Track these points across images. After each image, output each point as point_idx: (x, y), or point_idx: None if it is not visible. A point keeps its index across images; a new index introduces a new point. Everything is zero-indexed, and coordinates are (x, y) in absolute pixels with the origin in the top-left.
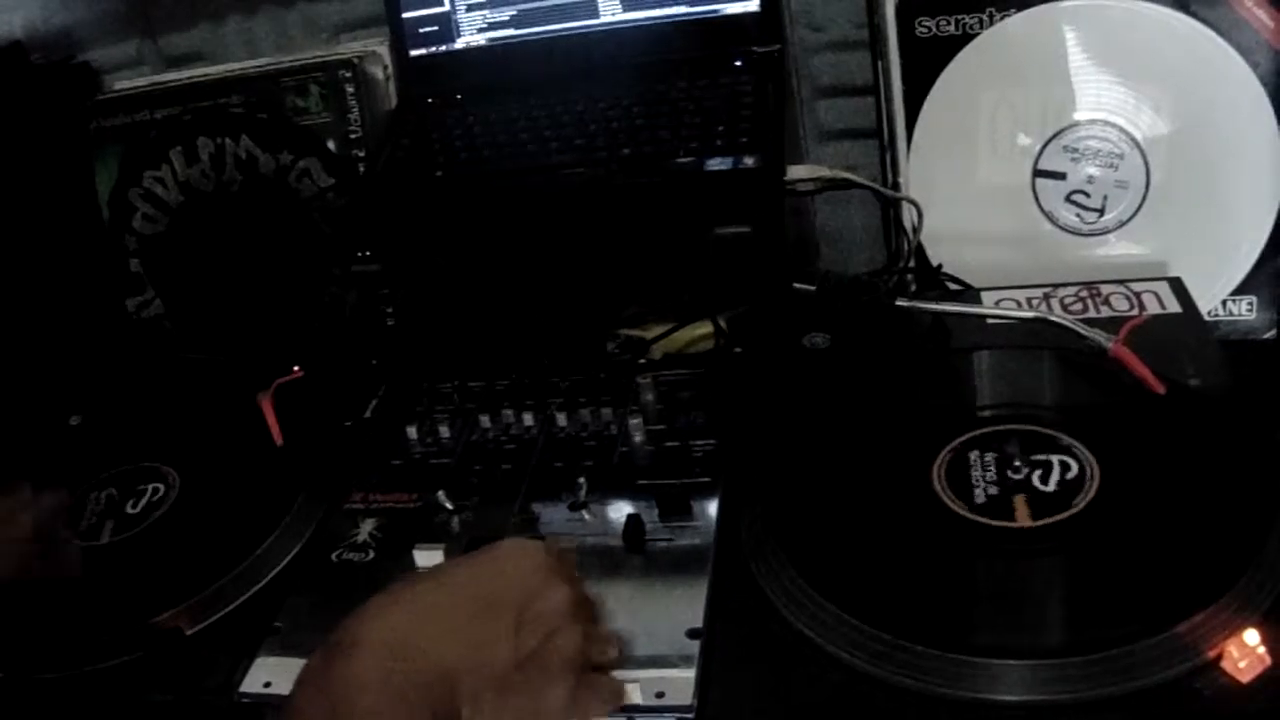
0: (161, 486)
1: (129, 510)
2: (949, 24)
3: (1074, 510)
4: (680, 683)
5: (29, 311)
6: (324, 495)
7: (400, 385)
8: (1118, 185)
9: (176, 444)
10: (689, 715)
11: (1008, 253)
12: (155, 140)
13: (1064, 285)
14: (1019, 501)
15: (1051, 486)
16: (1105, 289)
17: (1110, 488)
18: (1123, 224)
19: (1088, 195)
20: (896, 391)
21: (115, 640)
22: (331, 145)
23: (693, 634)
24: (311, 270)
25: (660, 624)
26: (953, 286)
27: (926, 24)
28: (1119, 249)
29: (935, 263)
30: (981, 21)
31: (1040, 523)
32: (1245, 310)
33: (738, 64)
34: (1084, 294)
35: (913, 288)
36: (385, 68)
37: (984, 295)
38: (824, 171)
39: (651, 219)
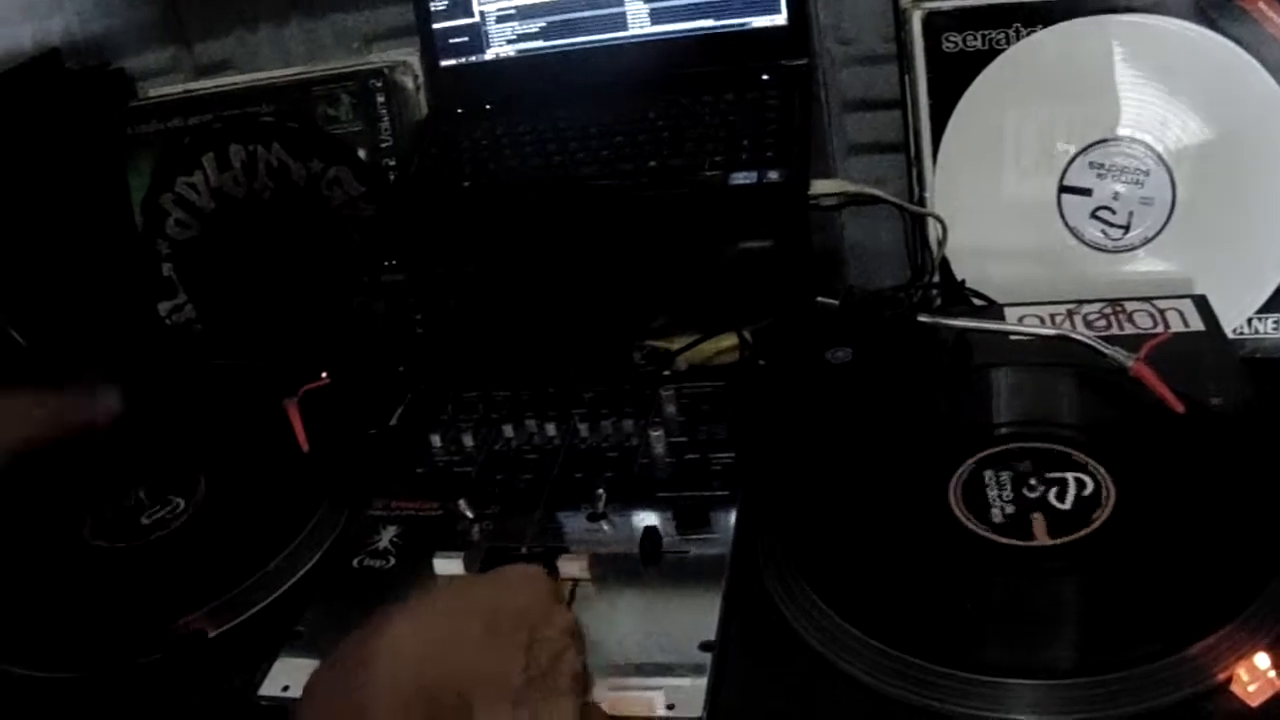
0: (190, 490)
1: (160, 514)
2: (975, 39)
3: (1089, 529)
4: (691, 693)
5: (63, 315)
6: (347, 502)
7: (426, 393)
8: (1143, 202)
9: (204, 449)
10: None
11: (1032, 269)
12: (188, 147)
13: (1089, 302)
14: (1035, 520)
15: (1068, 505)
16: (1130, 306)
17: (1126, 507)
18: (1148, 241)
19: (1113, 211)
20: (915, 408)
21: (138, 642)
22: (362, 154)
23: (705, 646)
24: (341, 278)
25: (673, 635)
26: (977, 302)
27: (953, 39)
28: (1144, 266)
29: (960, 278)
30: (1008, 37)
31: (1055, 541)
32: (1272, 328)
33: (765, 78)
34: (1108, 311)
35: (937, 303)
36: (416, 77)
37: (1007, 311)
38: (849, 186)
39: (676, 231)
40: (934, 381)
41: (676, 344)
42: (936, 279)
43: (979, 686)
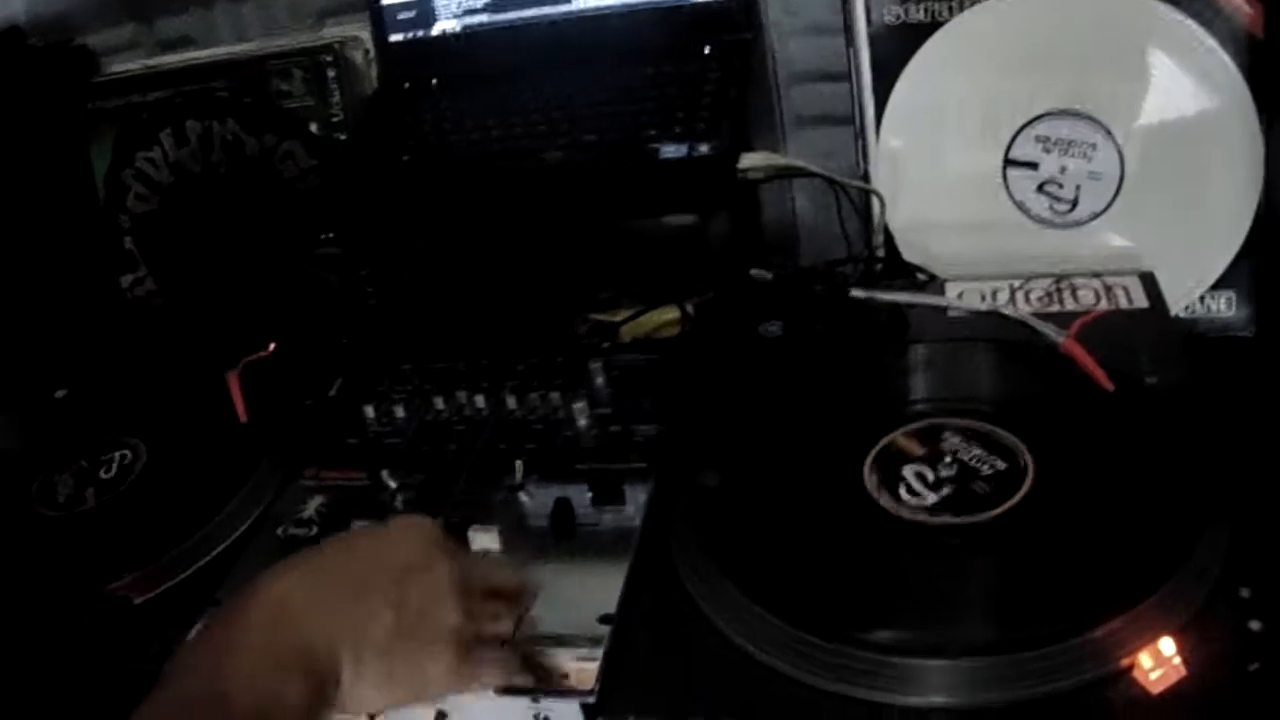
0: (130, 455)
1: (102, 476)
2: (918, 10)
3: (1003, 508)
4: (586, 667)
5: (27, 287)
6: (280, 472)
7: (364, 365)
8: (1091, 176)
9: (148, 419)
10: (590, 699)
11: (978, 243)
12: (147, 122)
13: (1037, 278)
14: (948, 498)
15: (983, 483)
16: (1076, 282)
17: (1043, 486)
18: (1096, 216)
19: (1060, 186)
20: (838, 383)
21: (67, 607)
22: (314, 128)
23: (604, 619)
24: (293, 251)
25: (575, 607)
26: (921, 278)
27: (895, 10)
28: (1092, 242)
29: (904, 253)
30: (951, 8)
31: (967, 520)
32: (1224, 306)
33: (706, 50)
34: (1054, 287)
35: (884, 279)
36: (366, 52)
37: (948, 287)
38: (777, 160)
39: (610, 205)
40: (858, 357)
41: (619, 317)
42: (881, 254)
43: (874, 666)
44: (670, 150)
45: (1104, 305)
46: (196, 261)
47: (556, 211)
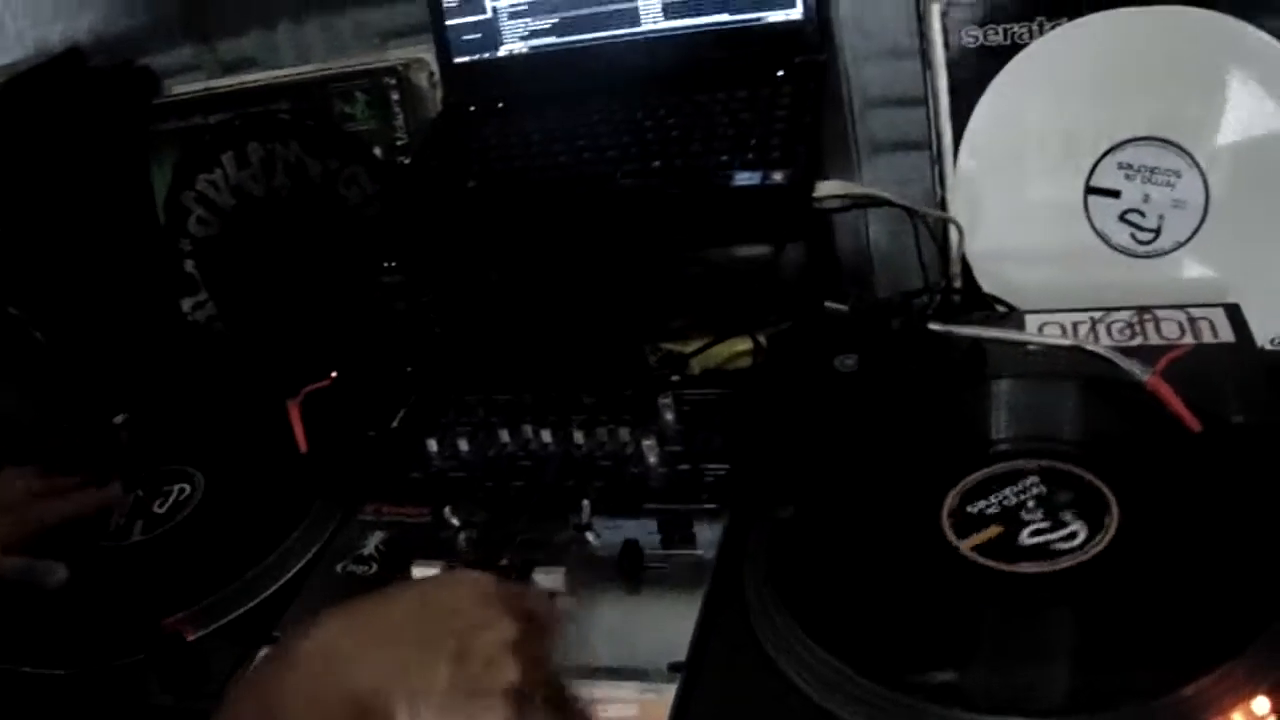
0: (188, 488)
1: (155, 510)
2: (997, 33)
3: (1085, 557)
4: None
5: (87, 309)
6: (340, 505)
7: (428, 396)
8: (1174, 205)
9: (207, 448)
10: None
11: (1058, 273)
12: (209, 144)
13: (1117, 310)
14: (1027, 544)
15: (1065, 529)
16: (1160, 314)
17: (1129, 533)
18: (1180, 245)
19: (1143, 215)
20: (916, 420)
21: (121, 641)
22: (378, 152)
23: (674, 667)
24: (357, 277)
25: (644, 654)
26: (1000, 309)
27: (974, 32)
28: (1175, 272)
29: (983, 283)
30: (1031, 31)
31: (1047, 568)
32: None
33: (779, 74)
34: (1136, 320)
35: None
36: (431, 75)
37: (1029, 319)
38: (854, 188)
39: (679, 233)
40: (936, 393)
41: (691, 348)
42: (958, 284)
43: None
44: (743, 178)
45: (1188, 339)
46: (258, 286)
47: (626, 239)
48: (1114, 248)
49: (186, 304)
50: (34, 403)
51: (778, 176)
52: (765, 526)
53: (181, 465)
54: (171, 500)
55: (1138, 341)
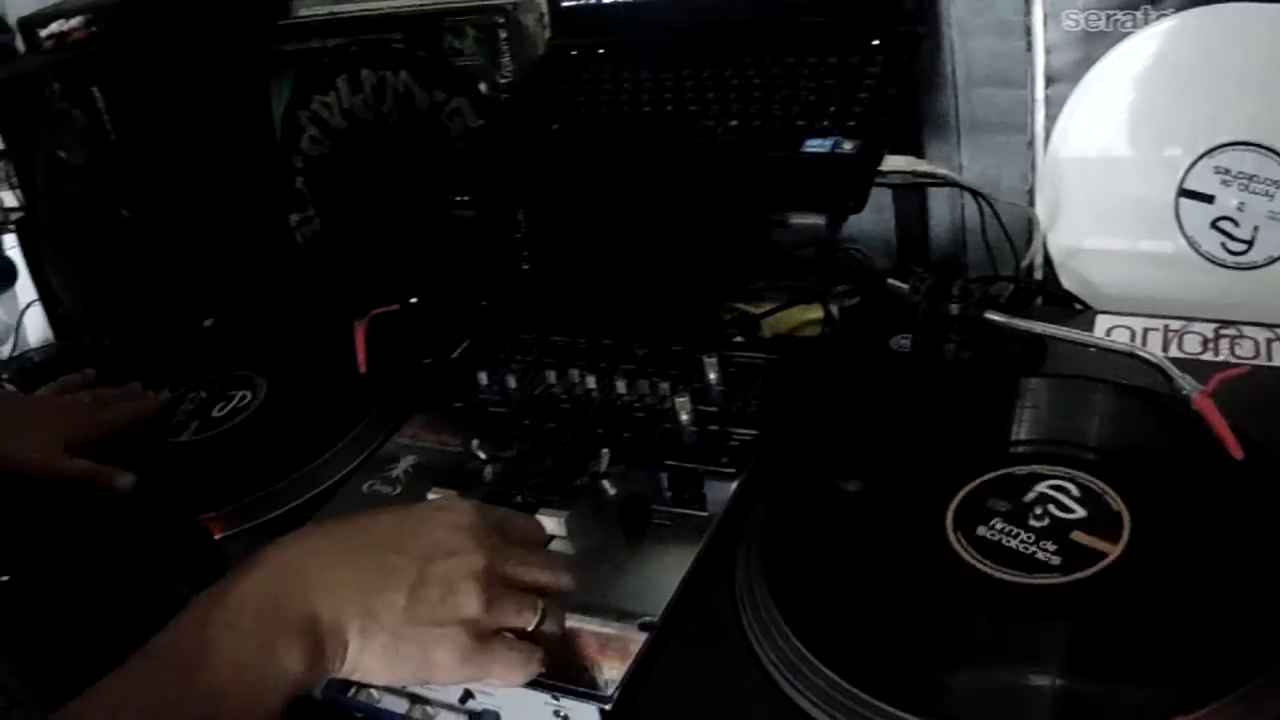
0: (249, 395)
1: (214, 414)
2: (1099, 19)
3: (1083, 574)
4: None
5: (197, 217)
6: (383, 427)
7: (495, 330)
8: (1271, 216)
9: (277, 358)
10: (608, 705)
11: (1140, 276)
12: (326, 67)
13: (1200, 320)
14: (1025, 553)
15: (1070, 542)
16: (1245, 331)
17: (1134, 553)
18: (1273, 260)
19: (1236, 224)
20: (945, 410)
21: (153, 534)
22: (483, 88)
23: (644, 626)
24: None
25: (621, 607)
26: (1078, 308)
27: (1075, 16)
28: (1267, 288)
29: (1062, 278)
30: (1135, 19)
31: (1039, 580)
32: None
33: (874, 43)
34: (1214, 334)
35: (1039, 301)
36: (540, 16)
37: (1099, 320)
38: (920, 165)
39: (743, 194)
40: (974, 385)
41: (762, 310)
42: (1038, 276)
43: None
44: (814, 144)
45: (1261, 360)
46: (359, 208)
47: (693, 195)
48: (1203, 255)
49: (294, 218)
50: (131, 301)
51: (848, 146)
52: (770, 510)
53: (249, 373)
54: (231, 405)
55: (1208, 356)
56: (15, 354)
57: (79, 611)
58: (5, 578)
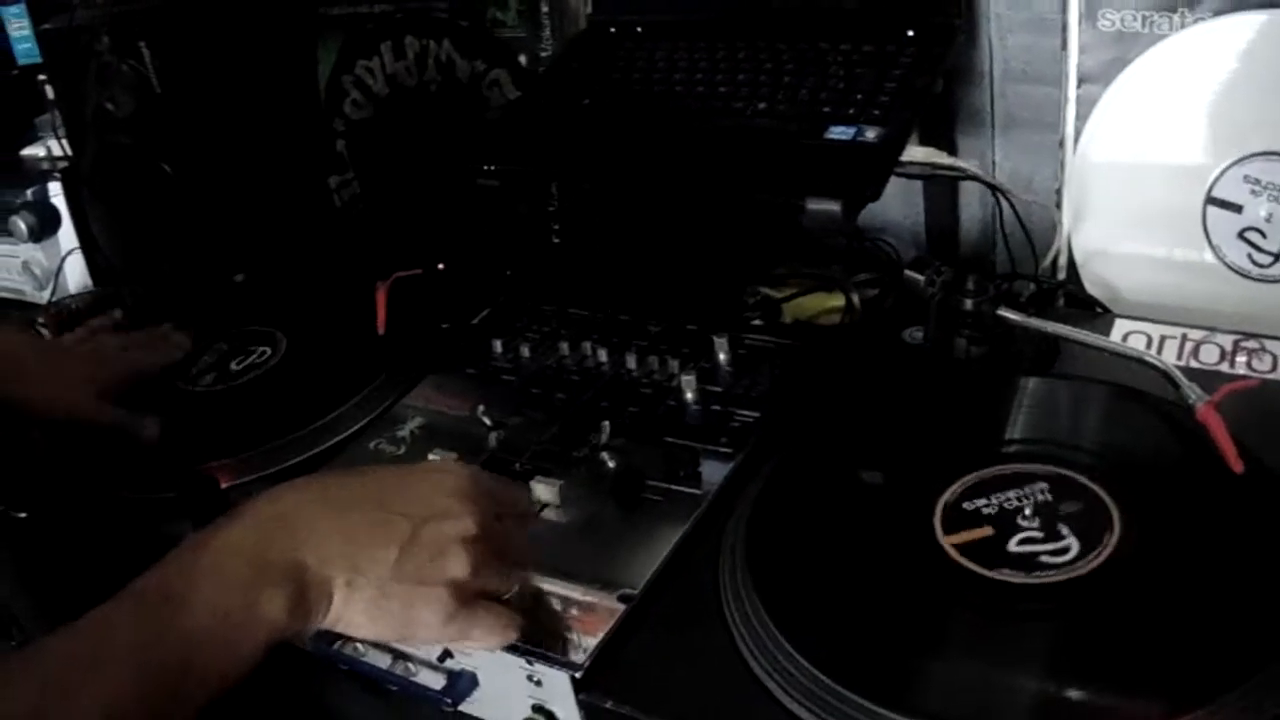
0: (269, 350)
1: (233, 366)
2: (1135, 20)
3: (1069, 574)
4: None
5: (238, 174)
6: (395, 388)
7: (516, 300)
8: None
9: (300, 316)
10: (578, 674)
11: (1162, 283)
12: (370, 33)
13: (1219, 332)
14: (1015, 551)
15: (1058, 543)
16: (1267, 345)
17: (1123, 558)
18: None
19: (1264, 235)
20: (943, 405)
21: (160, 477)
22: (523, 60)
23: (623, 598)
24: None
25: (604, 577)
26: (1099, 311)
27: (1111, 15)
28: None
29: (1084, 279)
30: (1171, 21)
31: (1024, 580)
32: None
33: (909, 33)
34: (1233, 345)
35: (1060, 302)
36: None
37: (1121, 324)
38: (941, 158)
39: (776, 179)
40: (976, 381)
41: (784, 294)
42: (1061, 277)
43: None
44: (837, 131)
45: (1277, 374)
46: (397, 173)
47: (717, 177)
48: (1228, 265)
49: (334, 181)
50: (167, 253)
51: (870, 135)
52: (761, 495)
53: (273, 329)
54: (250, 359)
55: (1224, 368)
56: (54, 299)
57: (82, 546)
58: (24, 514)
